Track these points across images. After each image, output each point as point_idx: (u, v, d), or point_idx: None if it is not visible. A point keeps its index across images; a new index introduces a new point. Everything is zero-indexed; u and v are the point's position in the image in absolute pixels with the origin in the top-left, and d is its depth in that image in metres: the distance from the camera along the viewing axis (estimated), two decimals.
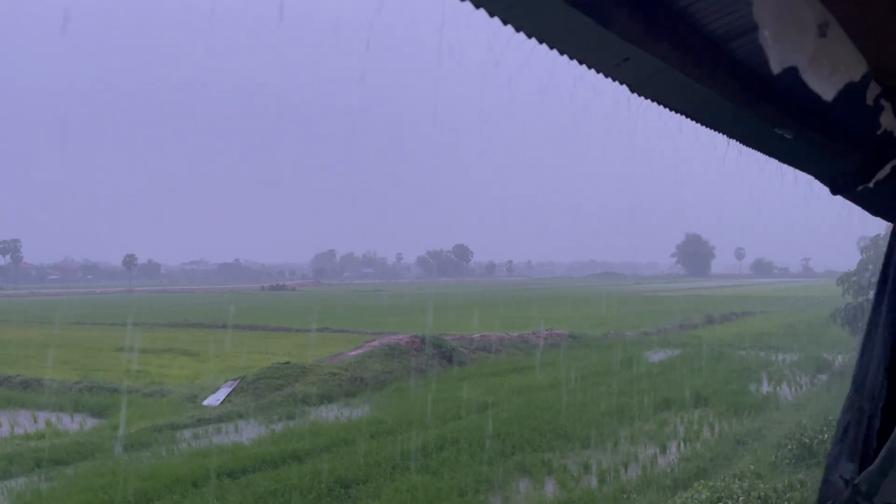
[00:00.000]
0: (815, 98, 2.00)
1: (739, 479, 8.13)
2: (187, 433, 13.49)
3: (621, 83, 2.67)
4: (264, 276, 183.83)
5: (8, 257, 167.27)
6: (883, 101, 2.31)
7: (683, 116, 3.04)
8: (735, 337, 28.09)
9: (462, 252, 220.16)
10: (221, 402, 16.26)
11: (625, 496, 9.21)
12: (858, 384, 2.71)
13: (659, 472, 10.35)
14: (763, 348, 24.57)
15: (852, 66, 1.97)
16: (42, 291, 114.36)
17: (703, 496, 7.62)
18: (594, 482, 10.09)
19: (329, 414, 15.02)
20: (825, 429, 10.20)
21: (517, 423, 13.03)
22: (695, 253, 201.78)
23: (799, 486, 8.06)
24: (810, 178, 4.36)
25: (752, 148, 3.64)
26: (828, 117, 3.28)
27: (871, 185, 3.25)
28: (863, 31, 1.86)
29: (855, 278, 19.15)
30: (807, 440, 9.81)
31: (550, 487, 9.96)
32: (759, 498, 7.41)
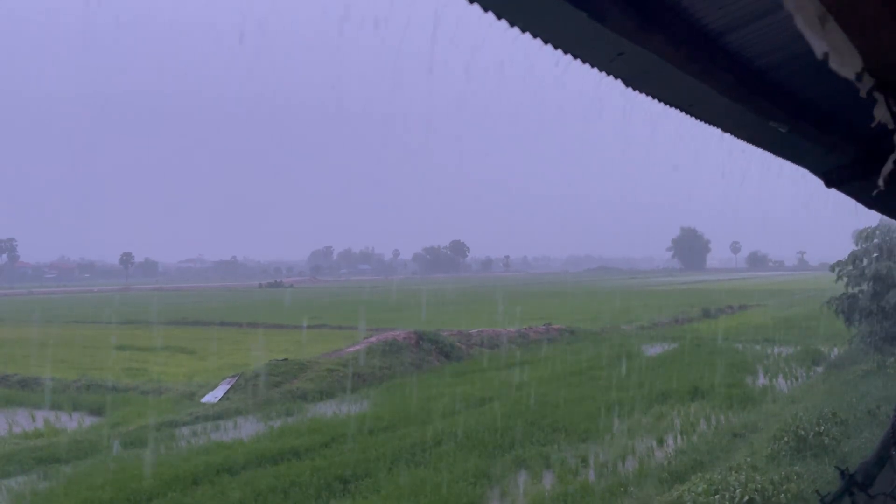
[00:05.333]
0: (809, 91, 2.01)
1: (736, 472, 8.16)
2: (186, 430, 13.50)
3: (616, 78, 2.68)
4: (261, 273, 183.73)
5: (4, 256, 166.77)
6: (876, 94, 2.31)
7: (678, 110, 3.06)
8: (731, 330, 28.18)
9: (459, 248, 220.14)
10: (220, 400, 16.26)
11: (622, 489, 9.24)
12: None
13: (656, 465, 10.39)
14: (759, 341, 24.65)
15: (849, 59, 1.98)
16: (39, 290, 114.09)
17: (700, 489, 7.65)
18: (592, 475, 10.13)
19: (327, 410, 15.03)
20: (821, 421, 10.25)
21: (515, 418, 13.06)
22: (690, 247, 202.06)
23: (795, 477, 8.10)
24: (805, 171, 4.38)
25: (747, 141, 3.67)
26: (821, 111, 3.30)
27: (864, 178, 3.27)
28: (856, 23, 1.86)
29: (850, 268, 19.22)
30: (803, 432, 9.85)
31: (548, 481, 9.99)
32: (755, 490, 7.44)
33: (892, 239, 18.20)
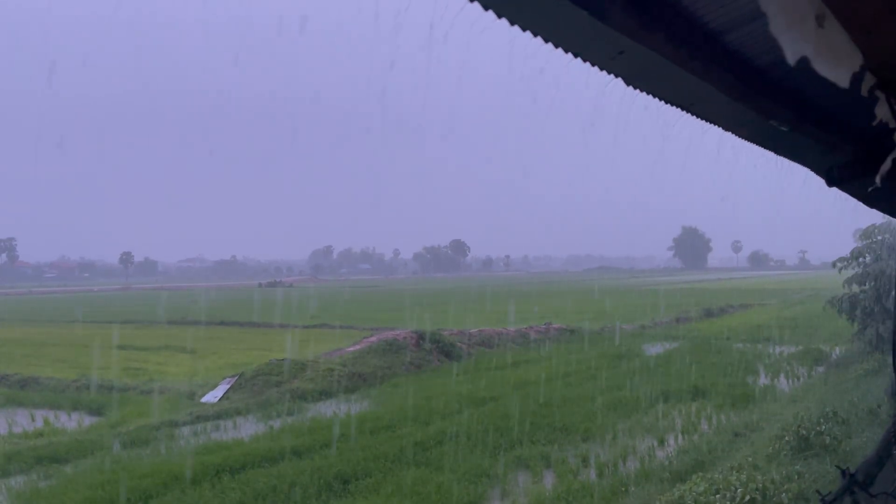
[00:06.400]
0: (810, 90, 2.00)
1: (737, 471, 8.15)
2: (186, 430, 13.49)
3: (616, 76, 2.67)
4: (261, 272, 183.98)
5: (3, 256, 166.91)
6: (878, 93, 2.30)
7: (679, 109, 3.05)
8: (732, 330, 28.16)
9: (459, 247, 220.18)
10: (220, 399, 16.25)
11: (623, 489, 9.23)
12: None
13: (657, 464, 10.37)
14: (760, 341, 24.64)
15: (848, 58, 1.97)
16: (39, 290, 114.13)
17: (701, 488, 7.64)
18: (593, 475, 10.12)
19: (327, 410, 15.02)
20: (822, 420, 10.24)
21: (516, 418, 13.05)
22: (691, 246, 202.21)
23: (797, 477, 8.08)
24: (806, 170, 4.37)
25: (748, 140, 3.65)
26: (823, 109, 3.29)
27: (865, 177, 3.26)
28: (857, 22, 1.85)
29: (852, 265, 19.20)
30: (804, 432, 9.83)
31: (549, 480, 9.98)
32: (756, 490, 7.43)
33: (894, 237, 18.17)
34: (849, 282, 19.29)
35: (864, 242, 18.97)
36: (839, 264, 19.54)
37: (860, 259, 18.98)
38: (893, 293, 17.09)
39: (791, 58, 1.87)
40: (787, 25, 1.81)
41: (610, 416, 13.29)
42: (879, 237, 18.53)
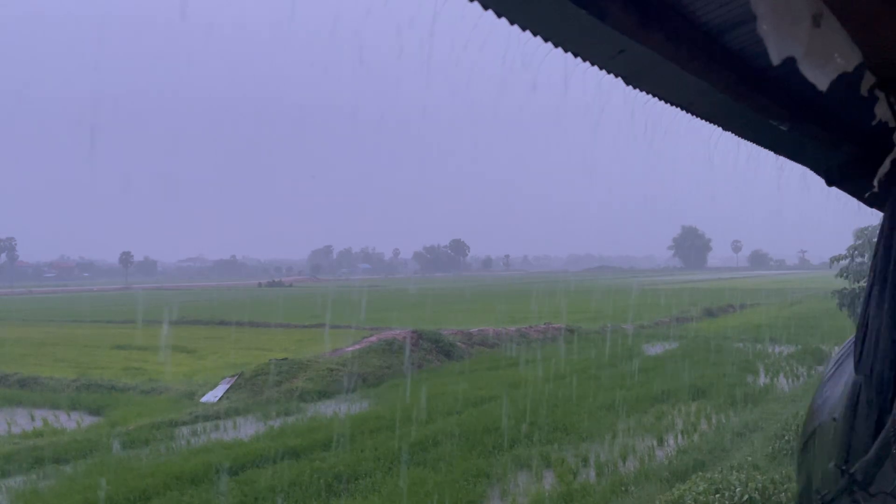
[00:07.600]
0: (810, 89, 2.00)
1: (737, 471, 8.16)
2: (186, 430, 13.49)
3: (616, 76, 2.67)
4: (261, 272, 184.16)
5: (3, 255, 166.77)
6: (877, 92, 2.30)
7: (678, 108, 3.05)
8: (732, 329, 28.16)
9: (459, 247, 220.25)
10: (219, 399, 16.25)
11: (623, 489, 9.23)
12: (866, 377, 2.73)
13: (657, 464, 10.37)
14: (760, 340, 24.64)
15: (846, 57, 1.97)
16: (39, 289, 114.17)
17: (701, 488, 7.64)
18: (592, 475, 10.12)
19: (327, 410, 15.02)
20: None
21: (515, 417, 13.05)
22: (691, 246, 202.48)
23: (796, 476, 8.09)
24: (806, 169, 4.37)
25: (748, 140, 3.65)
26: (822, 108, 3.29)
27: (865, 176, 3.26)
28: (856, 21, 1.85)
29: (849, 262, 19.31)
30: None
31: (549, 480, 9.98)
32: (756, 489, 7.43)
33: None
34: (842, 272, 19.42)
35: (863, 240, 19.05)
36: (836, 262, 19.68)
37: (856, 258, 19.08)
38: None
39: (776, 58, 1.87)
40: (777, 25, 1.81)
41: (609, 416, 13.29)
42: (875, 238, 18.62)
